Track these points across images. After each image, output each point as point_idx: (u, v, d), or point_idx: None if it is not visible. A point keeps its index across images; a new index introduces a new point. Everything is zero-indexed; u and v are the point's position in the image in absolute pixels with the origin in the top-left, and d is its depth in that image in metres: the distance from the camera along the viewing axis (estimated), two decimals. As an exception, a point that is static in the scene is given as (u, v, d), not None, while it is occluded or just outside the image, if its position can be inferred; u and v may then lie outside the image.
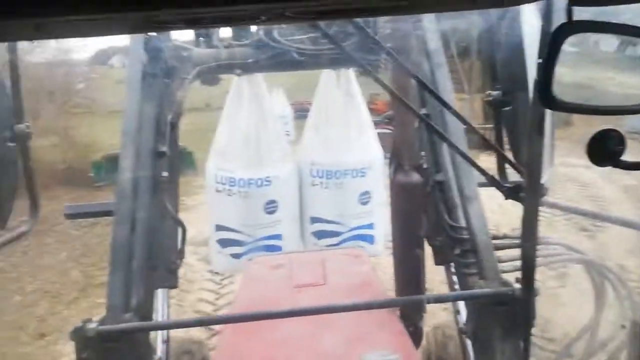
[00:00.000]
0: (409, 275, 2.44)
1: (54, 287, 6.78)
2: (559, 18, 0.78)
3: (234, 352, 2.07)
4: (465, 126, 2.09)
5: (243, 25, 2.52)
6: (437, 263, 2.42)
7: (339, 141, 4.40)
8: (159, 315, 2.34)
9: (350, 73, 4.34)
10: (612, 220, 2.28)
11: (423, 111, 2.22)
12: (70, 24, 0.62)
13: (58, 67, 11.75)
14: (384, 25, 2.51)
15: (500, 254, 1.97)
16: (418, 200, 2.38)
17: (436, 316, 3.59)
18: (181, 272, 2.50)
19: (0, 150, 1.84)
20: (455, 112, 1.97)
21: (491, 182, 1.54)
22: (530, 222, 1.48)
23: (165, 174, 2.17)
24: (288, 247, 4.37)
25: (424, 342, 2.73)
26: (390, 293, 2.75)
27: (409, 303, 2.41)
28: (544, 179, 1.41)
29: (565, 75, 0.80)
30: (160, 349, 2.26)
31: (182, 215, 2.44)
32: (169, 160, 2.23)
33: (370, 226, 4.44)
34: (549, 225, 6.06)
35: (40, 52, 9.71)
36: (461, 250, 2.11)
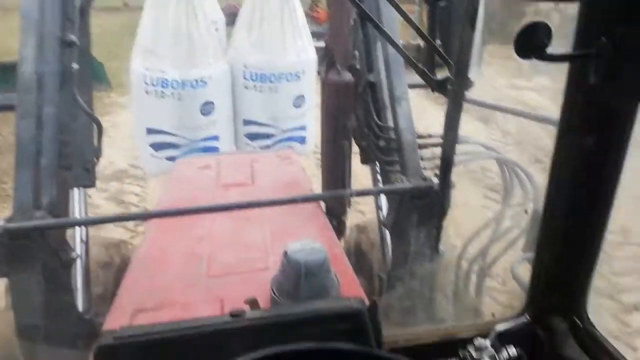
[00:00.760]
0: (335, 171, 2.49)
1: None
2: None
3: (158, 249, 2.04)
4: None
5: None
6: (363, 162, 2.47)
7: (273, 43, 4.22)
8: (76, 215, 2.25)
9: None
10: (533, 117, 2.39)
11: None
12: None
13: None
14: None
15: (423, 152, 2.04)
16: (349, 99, 2.36)
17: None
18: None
19: None
20: (393, 3, 1.91)
21: (421, 74, 1.54)
22: (453, 117, 1.51)
23: (76, 66, 1.98)
24: (225, 149, 4.32)
25: (346, 234, 2.87)
26: (318, 192, 2.81)
27: (333, 197, 2.48)
28: (470, 74, 1.41)
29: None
30: (79, 248, 2.19)
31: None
32: (79, 51, 2.03)
33: (303, 128, 4.43)
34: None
35: None
36: (387, 148, 2.16)
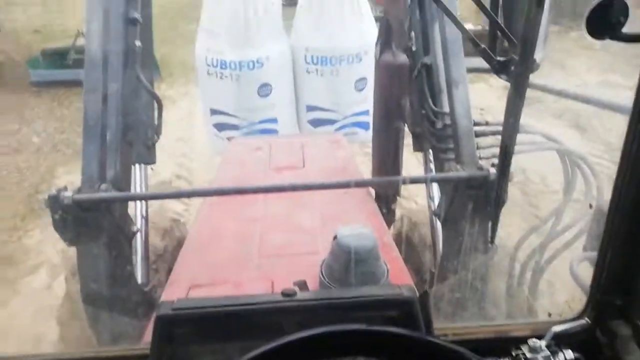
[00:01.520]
0: (387, 157, 2.45)
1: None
2: None
3: (212, 227, 2.12)
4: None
5: None
6: (416, 149, 2.42)
7: (334, 25, 4.18)
8: (137, 190, 2.36)
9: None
10: (603, 104, 2.22)
11: None
12: None
13: None
14: None
15: (479, 141, 1.96)
16: (403, 82, 2.31)
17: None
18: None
19: None
20: None
21: (482, 53, 1.45)
22: (515, 103, 1.43)
23: (138, 43, 2.05)
24: (284, 131, 4.36)
25: (396, 223, 2.84)
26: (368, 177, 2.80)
27: (384, 183, 2.45)
28: (536, 55, 1.33)
29: None
30: (139, 223, 2.30)
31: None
32: (142, 29, 2.09)
33: (366, 113, 4.35)
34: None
35: None
36: (441, 135, 2.10)
